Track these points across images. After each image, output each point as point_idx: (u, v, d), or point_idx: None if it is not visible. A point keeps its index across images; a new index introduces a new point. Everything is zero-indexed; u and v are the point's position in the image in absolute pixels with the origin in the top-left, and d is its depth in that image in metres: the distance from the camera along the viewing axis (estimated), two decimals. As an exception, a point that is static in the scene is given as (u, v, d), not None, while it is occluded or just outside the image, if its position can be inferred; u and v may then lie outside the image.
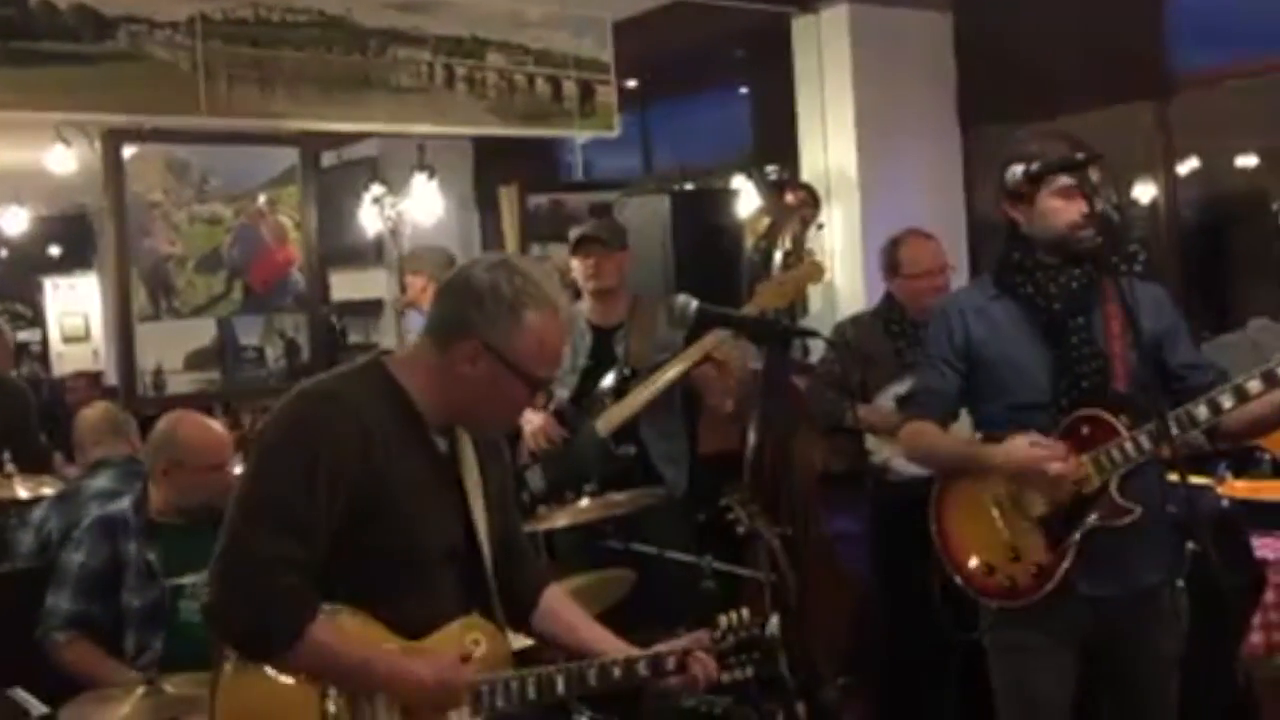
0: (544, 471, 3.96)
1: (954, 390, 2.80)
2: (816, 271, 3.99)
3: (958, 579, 2.78)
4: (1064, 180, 2.64)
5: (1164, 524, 2.69)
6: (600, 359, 3.99)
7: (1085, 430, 2.65)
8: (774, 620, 2.14)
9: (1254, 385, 2.53)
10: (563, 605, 2.37)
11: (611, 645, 2.26)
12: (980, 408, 2.83)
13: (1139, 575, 2.68)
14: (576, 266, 4.01)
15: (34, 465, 4.49)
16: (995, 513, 2.73)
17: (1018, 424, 2.70)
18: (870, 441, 3.98)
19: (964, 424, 2.91)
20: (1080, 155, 2.63)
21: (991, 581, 2.74)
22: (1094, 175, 2.66)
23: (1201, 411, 2.55)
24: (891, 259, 4.07)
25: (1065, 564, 2.64)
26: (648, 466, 3.87)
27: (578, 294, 4.10)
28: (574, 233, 4.02)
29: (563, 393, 4.01)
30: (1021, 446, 2.64)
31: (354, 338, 7.64)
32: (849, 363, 4.00)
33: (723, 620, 2.13)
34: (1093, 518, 2.64)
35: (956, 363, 2.78)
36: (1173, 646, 2.74)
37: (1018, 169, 2.68)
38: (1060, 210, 2.65)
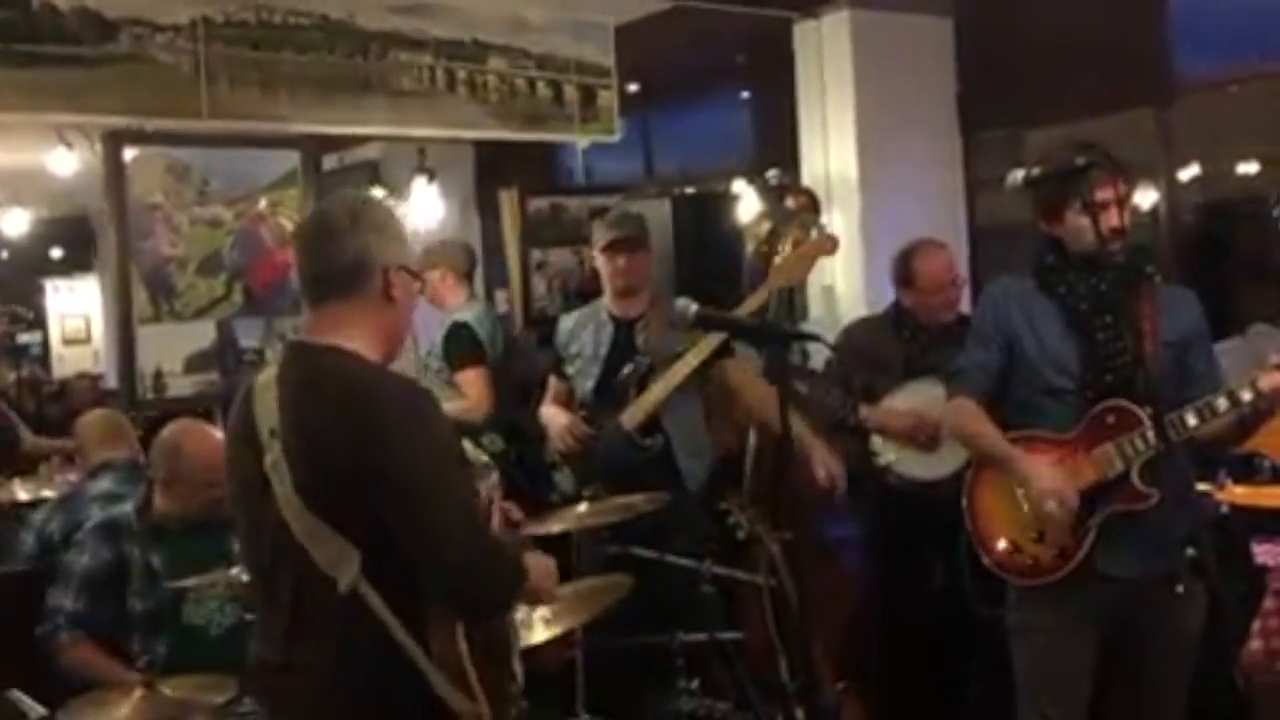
0: (572, 471, 3.96)
1: (996, 369, 2.95)
2: (830, 244, 3.98)
3: (984, 557, 2.93)
4: (1097, 195, 2.73)
5: (1182, 513, 2.79)
6: (622, 350, 3.99)
7: (1111, 419, 2.80)
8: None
9: (1264, 381, 2.69)
10: None
11: None
12: (1014, 390, 2.96)
13: (1160, 557, 2.78)
14: (604, 265, 3.99)
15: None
16: (1022, 495, 2.88)
17: (1047, 409, 2.87)
18: (875, 443, 3.98)
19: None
20: (1089, 164, 2.69)
21: (1016, 560, 2.89)
22: (1121, 188, 2.79)
23: (1221, 403, 2.71)
24: (905, 271, 4.07)
25: (1086, 545, 2.79)
26: (670, 458, 3.87)
27: (595, 288, 4.09)
28: (606, 234, 3.99)
29: (587, 383, 4.00)
30: (1048, 480, 2.79)
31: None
32: (853, 362, 4.02)
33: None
34: (1114, 503, 2.78)
35: (998, 341, 2.94)
36: (1191, 628, 2.85)
37: (1047, 177, 2.77)
38: (1086, 228, 2.76)
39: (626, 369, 3.91)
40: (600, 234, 4.02)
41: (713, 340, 3.73)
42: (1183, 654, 2.86)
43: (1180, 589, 2.73)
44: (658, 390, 3.82)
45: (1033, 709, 2.91)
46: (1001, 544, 2.91)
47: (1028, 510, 2.86)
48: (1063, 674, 2.86)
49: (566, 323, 4.16)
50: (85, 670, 3.20)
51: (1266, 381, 2.68)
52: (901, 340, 4.04)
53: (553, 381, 4.16)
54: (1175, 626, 2.83)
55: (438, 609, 1.99)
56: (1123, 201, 2.79)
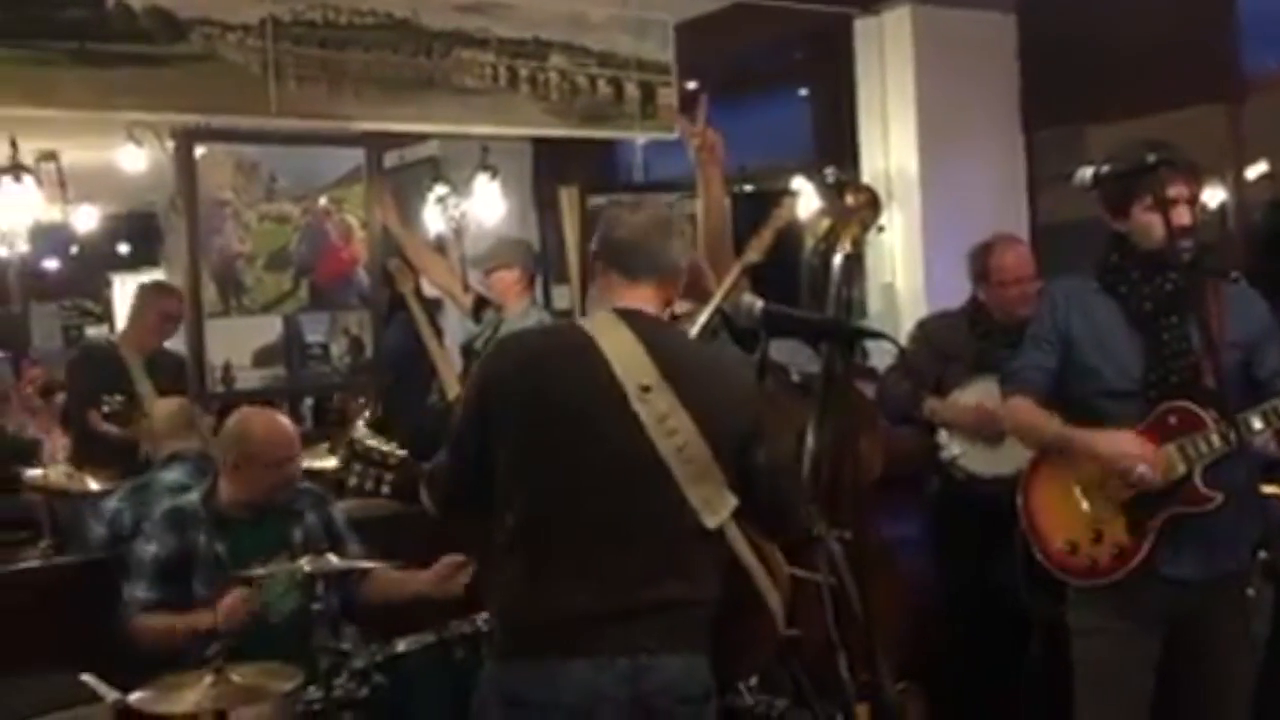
0: None
1: (1052, 369, 2.93)
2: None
3: (1040, 556, 2.91)
4: (1168, 192, 2.71)
5: (1248, 516, 2.77)
6: None
7: (1173, 420, 2.77)
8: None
9: None
10: None
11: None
12: (1070, 390, 2.93)
13: (1222, 559, 2.77)
14: None
15: None
16: (1080, 494, 2.87)
17: (1107, 410, 2.83)
18: (942, 437, 3.97)
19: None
20: (1160, 161, 2.67)
21: (1074, 560, 2.87)
22: (1193, 186, 2.77)
23: None
24: (981, 266, 4.05)
25: (1145, 547, 2.77)
26: None
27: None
28: None
29: None
30: (1123, 440, 2.76)
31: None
32: (926, 355, 4.01)
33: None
34: (1175, 505, 2.75)
35: (1056, 344, 2.92)
36: (1257, 632, 2.86)
37: (1118, 174, 2.75)
38: (1154, 224, 2.74)
39: None
40: None
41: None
42: (1248, 658, 2.84)
43: (1251, 592, 2.70)
44: None
45: (1090, 710, 2.88)
46: (1059, 544, 2.89)
47: (1086, 509, 2.84)
48: (1121, 675, 2.84)
49: None
50: (158, 630, 3.30)
51: None
52: (976, 336, 4.02)
53: None
54: (1241, 630, 2.81)
55: (763, 536, 2.45)
56: (1193, 200, 2.76)
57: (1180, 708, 2.88)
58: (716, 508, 2.28)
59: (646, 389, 2.24)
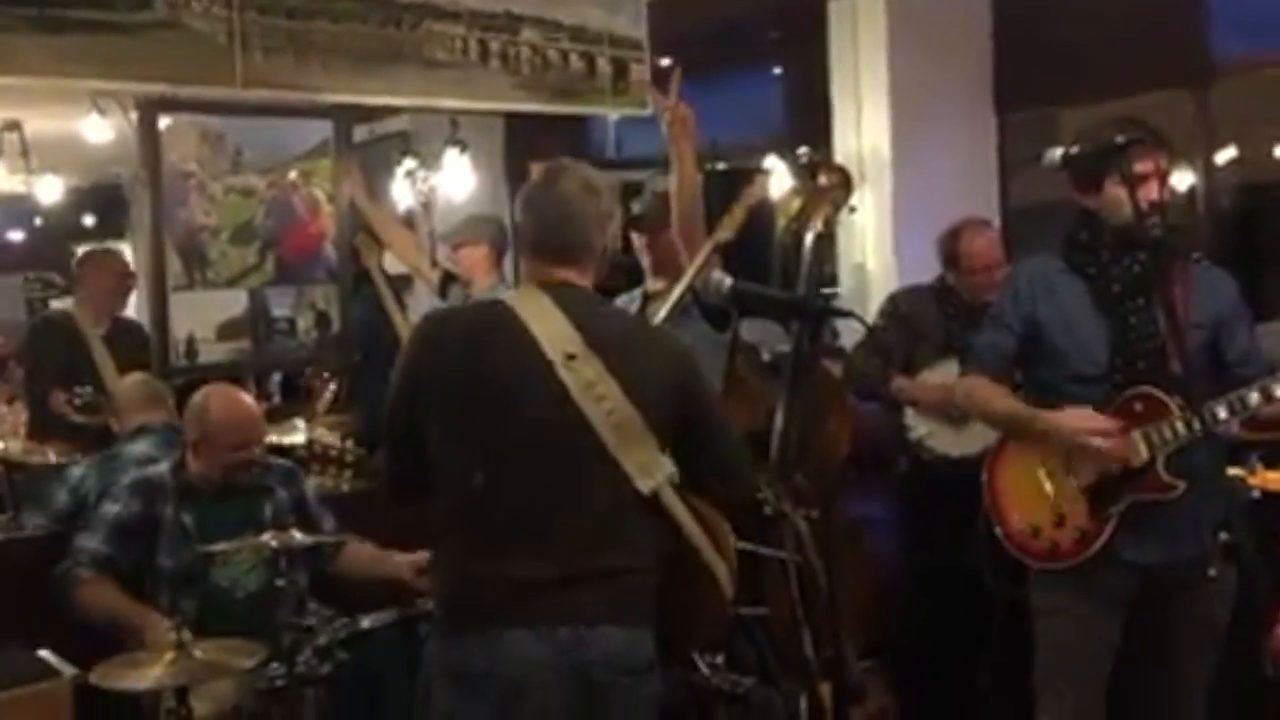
0: None
1: (1010, 353, 2.92)
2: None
3: (1002, 538, 2.92)
4: (1136, 167, 2.69)
5: (1210, 499, 2.77)
6: None
7: (1139, 407, 2.76)
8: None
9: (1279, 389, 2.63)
10: None
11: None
12: (1036, 374, 2.94)
13: (1185, 544, 2.77)
14: (635, 241, 3.98)
15: None
16: (1044, 476, 2.86)
17: (1073, 395, 2.82)
18: (909, 416, 3.97)
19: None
20: (1140, 141, 2.66)
21: (1035, 543, 2.87)
22: (1162, 163, 2.75)
23: (1253, 397, 2.65)
24: (950, 251, 4.05)
25: (1107, 532, 2.77)
26: None
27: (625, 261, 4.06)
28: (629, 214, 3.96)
29: None
30: (1080, 417, 2.75)
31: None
32: (895, 331, 4.01)
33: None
34: (1137, 491, 2.75)
35: (1016, 327, 2.90)
36: (1217, 615, 2.84)
37: (1087, 154, 2.73)
38: (1125, 200, 2.70)
39: None
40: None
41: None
42: (1209, 640, 2.85)
43: (1213, 572, 2.71)
44: None
45: (1050, 689, 2.90)
46: (1020, 525, 2.89)
47: (1050, 492, 2.84)
48: (1081, 657, 2.85)
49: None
50: (102, 606, 3.24)
51: None
52: (945, 316, 4.02)
53: None
54: (1202, 613, 2.82)
55: (707, 502, 2.46)
56: (1163, 177, 2.75)
57: (1139, 691, 2.90)
58: (651, 472, 2.30)
59: (572, 357, 2.26)
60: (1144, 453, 2.74)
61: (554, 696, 2.21)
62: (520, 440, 2.27)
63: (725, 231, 3.72)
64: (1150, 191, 2.72)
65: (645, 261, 3.96)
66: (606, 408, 2.25)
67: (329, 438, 3.01)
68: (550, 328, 2.28)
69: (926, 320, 4.04)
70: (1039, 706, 2.92)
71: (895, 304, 4.24)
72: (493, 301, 2.47)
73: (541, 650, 2.20)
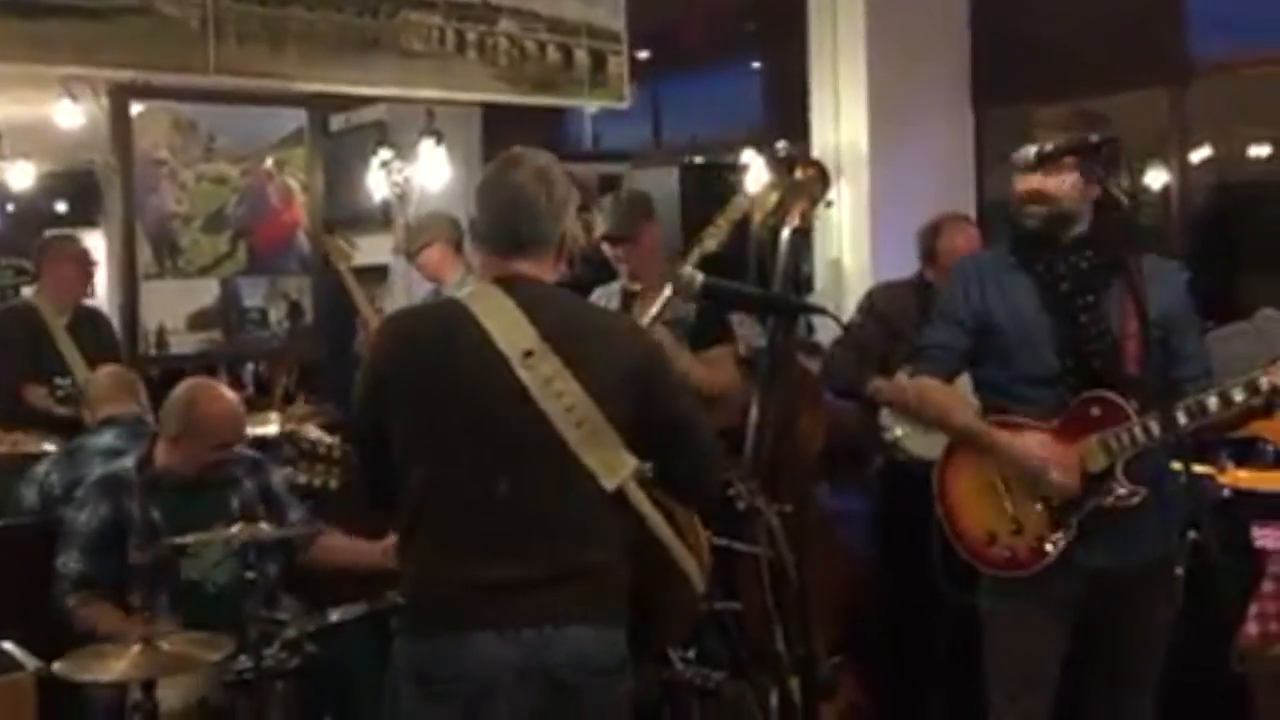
0: None
1: (961, 350, 2.83)
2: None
3: (958, 545, 2.84)
4: (1065, 162, 2.65)
5: (1166, 502, 2.71)
6: None
7: (1095, 411, 2.68)
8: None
9: (1265, 381, 2.56)
10: None
11: None
12: (986, 373, 2.85)
13: (1138, 549, 2.71)
14: (608, 250, 3.95)
15: None
16: (1001, 485, 2.78)
17: (1022, 396, 2.74)
18: (885, 417, 3.96)
19: (964, 383, 2.94)
20: (1115, 140, 2.61)
21: (992, 551, 2.79)
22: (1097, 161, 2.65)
23: (1212, 402, 2.57)
24: (930, 247, 4.02)
25: (1064, 541, 2.69)
26: None
27: (601, 255, 4.04)
28: (601, 226, 3.93)
29: None
30: (1031, 447, 2.69)
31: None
32: (873, 328, 3.98)
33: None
34: (1097, 498, 2.68)
35: (968, 322, 2.81)
36: (1164, 617, 2.78)
37: (1029, 149, 2.67)
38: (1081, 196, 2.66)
39: None
40: (599, 222, 3.96)
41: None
42: (1158, 642, 2.80)
43: (1179, 571, 2.69)
44: None
45: (1000, 692, 2.84)
46: (977, 533, 2.80)
47: (1007, 501, 2.76)
48: (1030, 660, 2.79)
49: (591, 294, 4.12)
50: (94, 625, 3.21)
51: (1267, 381, 2.55)
52: (923, 314, 3.99)
53: None
54: (1161, 617, 2.77)
55: (677, 500, 2.40)
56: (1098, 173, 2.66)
57: (1093, 692, 2.86)
58: (615, 469, 2.24)
59: (529, 354, 2.21)
60: (1102, 461, 2.66)
61: (521, 699, 2.18)
62: (481, 441, 2.23)
63: (710, 242, 3.72)
64: (1029, 182, 2.67)
65: (622, 269, 3.93)
66: (566, 404, 2.20)
67: (314, 433, 2.96)
68: (506, 324, 2.23)
69: (904, 318, 4.01)
70: (990, 709, 2.86)
71: (873, 300, 4.20)
72: (449, 300, 2.41)
73: (508, 652, 2.16)
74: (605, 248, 3.93)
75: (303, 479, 3.02)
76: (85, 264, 5.20)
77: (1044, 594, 2.75)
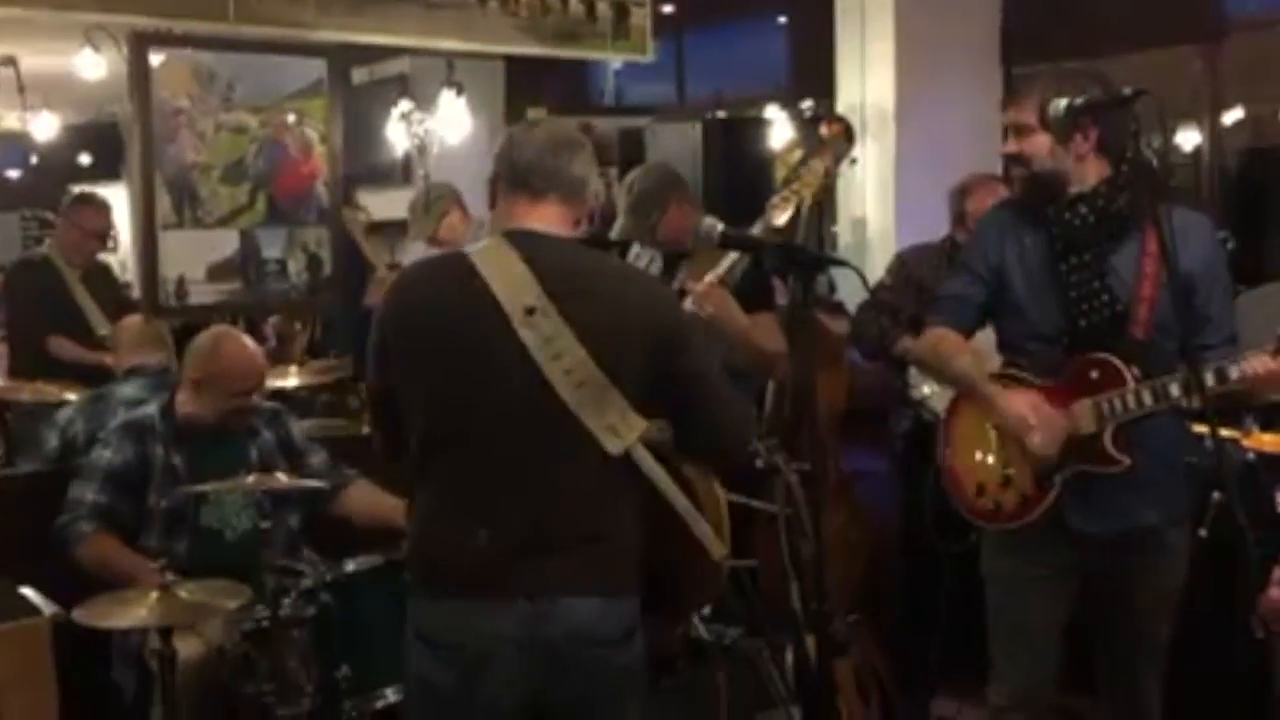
0: None
1: (979, 302, 2.81)
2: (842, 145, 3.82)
3: (951, 493, 2.86)
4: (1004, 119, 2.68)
5: (1169, 469, 2.70)
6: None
7: (1094, 374, 2.64)
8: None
9: (1234, 372, 2.49)
10: None
11: None
12: (1002, 329, 2.85)
13: (1134, 515, 2.69)
14: None
15: None
16: (994, 437, 2.79)
17: (1035, 353, 2.73)
18: (912, 375, 3.94)
19: (988, 340, 2.92)
20: (1145, 93, 2.55)
21: (980, 502, 2.81)
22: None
23: (1209, 378, 2.49)
24: (959, 209, 3.98)
25: (1048, 499, 2.69)
26: None
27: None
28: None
29: None
30: (1019, 406, 2.67)
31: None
32: (903, 289, 3.96)
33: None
34: (1080, 463, 2.66)
35: (986, 276, 2.79)
36: (1170, 585, 2.77)
37: (1091, 106, 2.61)
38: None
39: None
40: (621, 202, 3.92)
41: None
42: (1160, 608, 2.78)
43: (1203, 533, 2.67)
44: None
45: (1001, 654, 2.86)
46: (968, 485, 2.83)
47: (998, 451, 2.76)
48: (1028, 622, 2.79)
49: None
50: (102, 559, 3.23)
51: (1249, 365, 2.48)
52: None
53: None
54: (1160, 584, 2.76)
55: (695, 461, 2.30)
56: (1019, 129, 2.68)
57: (1103, 658, 2.86)
58: (620, 432, 2.15)
59: (530, 311, 2.13)
60: (1091, 424, 2.62)
61: (519, 669, 2.15)
62: (481, 402, 2.18)
63: (778, 216, 3.67)
64: (1006, 146, 2.71)
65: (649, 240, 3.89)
66: (565, 365, 2.11)
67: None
68: (509, 280, 2.16)
69: (935, 279, 3.98)
70: (991, 671, 2.87)
71: (903, 261, 4.17)
72: (456, 254, 2.32)
73: (503, 623, 2.14)
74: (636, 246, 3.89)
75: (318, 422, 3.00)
76: (96, 234, 5.30)
77: (1041, 555, 2.74)
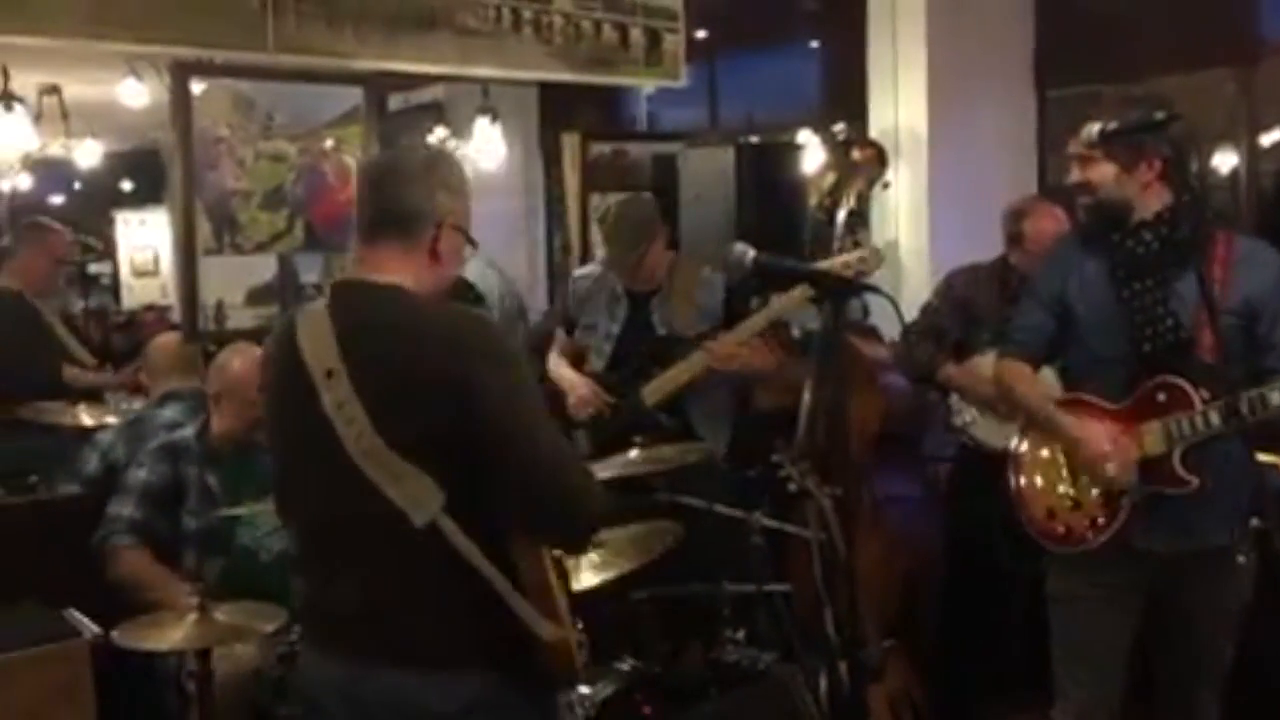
0: (590, 437, 3.94)
1: (1049, 333, 2.87)
2: (874, 258, 3.85)
3: (1022, 517, 2.89)
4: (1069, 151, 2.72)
5: (1234, 488, 2.72)
6: (637, 328, 3.95)
7: (1162, 397, 2.68)
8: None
9: None
10: None
11: None
12: (1068, 356, 2.90)
13: (1202, 535, 2.72)
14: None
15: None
16: (1064, 460, 2.83)
17: (1101, 379, 2.77)
18: (954, 401, 3.92)
19: (1049, 376, 3.00)
20: (1179, 118, 2.60)
21: (1050, 526, 2.85)
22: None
23: (1274, 398, 2.55)
24: (1015, 230, 3.95)
25: (1118, 522, 2.73)
26: (689, 427, 3.85)
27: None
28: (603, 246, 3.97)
29: (599, 362, 3.98)
30: (1096, 439, 2.72)
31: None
32: (949, 313, 3.95)
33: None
34: (1150, 484, 2.69)
35: (1054, 307, 2.84)
36: (1233, 604, 2.79)
37: (1128, 130, 2.67)
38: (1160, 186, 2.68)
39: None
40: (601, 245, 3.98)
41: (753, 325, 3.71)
42: (1227, 630, 2.80)
43: (1242, 559, 2.67)
44: (683, 374, 3.78)
45: (1066, 675, 2.87)
46: (1039, 506, 2.87)
47: (1066, 476, 2.81)
48: (1094, 642, 2.82)
49: (583, 282, 4.13)
50: (137, 576, 3.28)
51: None
52: (1004, 300, 3.92)
53: (560, 336, 4.14)
54: (1224, 604, 2.78)
55: (522, 538, 2.01)
56: (1083, 161, 2.74)
57: (1158, 678, 2.87)
58: (423, 503, 1.95)
59: (330, 375, 1.99)
60: (1160, 445, 2.67)
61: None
62: (297, 471, 2.12)
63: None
64: (1074, 174, 2.76)
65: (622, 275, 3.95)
66: (355, 432, 1.95)
67: None
68: (315, 340, 2.02)
69: (982, 302, 3.95)
70: (1056, 691, 2.90)
71: (950, 285, 4.14)
72: (289, 315, 2.18)
73: (330, 674, 2.09)
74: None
75: None
76: (67, 258, 5.28)
77: (1103, 574, 2.77)
